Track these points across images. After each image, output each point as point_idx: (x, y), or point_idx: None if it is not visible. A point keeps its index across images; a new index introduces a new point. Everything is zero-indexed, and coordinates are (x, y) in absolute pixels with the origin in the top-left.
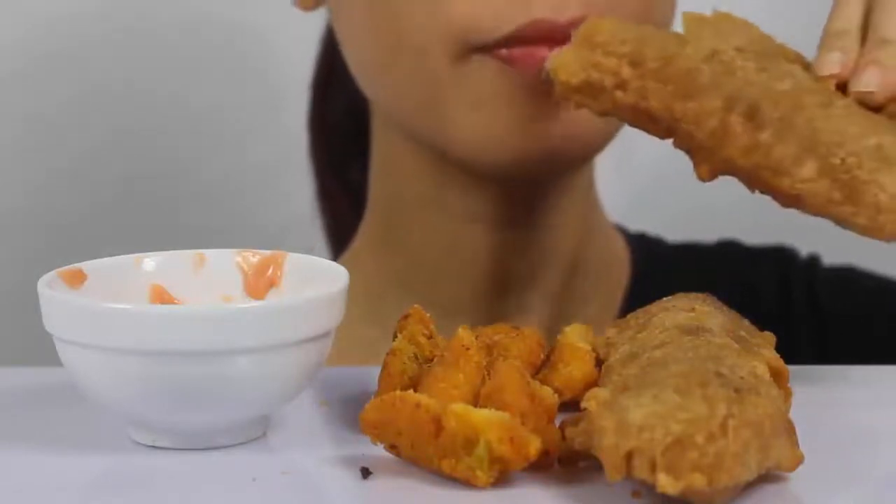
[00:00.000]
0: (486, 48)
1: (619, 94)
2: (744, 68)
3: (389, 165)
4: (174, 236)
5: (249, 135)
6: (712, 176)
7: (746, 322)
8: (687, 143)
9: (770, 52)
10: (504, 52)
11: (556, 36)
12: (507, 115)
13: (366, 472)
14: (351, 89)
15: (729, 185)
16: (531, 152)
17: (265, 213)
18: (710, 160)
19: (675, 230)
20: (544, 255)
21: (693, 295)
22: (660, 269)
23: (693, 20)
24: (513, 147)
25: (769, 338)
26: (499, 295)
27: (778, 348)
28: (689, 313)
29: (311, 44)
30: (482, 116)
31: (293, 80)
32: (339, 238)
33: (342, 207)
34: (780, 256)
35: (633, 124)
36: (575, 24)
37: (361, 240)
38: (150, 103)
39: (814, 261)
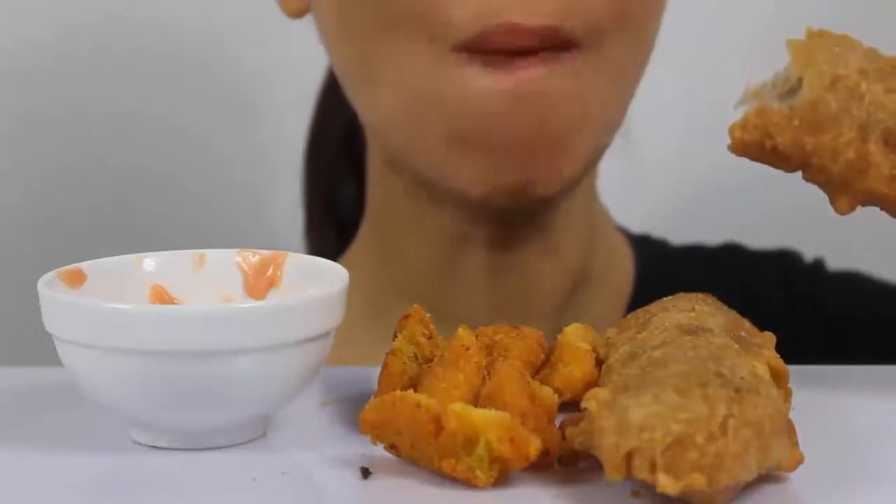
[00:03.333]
0: (460, 47)
1: (737, 132)
2: (871, 91)
3: (383, 184)
4: (174, 237)
5: (248, 139)
6: (852, 208)
7: (747, 322)
8: (820, 177)
9: (888, 70)
10: (484, 58)
11: (522, 41)
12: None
13: (366, 472)
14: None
15: (732, 190)
16: (500, 188)
17: (261, 216)
18: (848, 192)
19: (678, 233)
20: (544, 273)
21: (693, 295)
22: (663, 271)
23: (801, 47)
24: (483, 182)
25: (769, 338)
26: (496, 311)
27: (782, 352)
28: (689, 313)
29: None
30: (458, 142)
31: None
32: (322, 254)
33: (326, 228)
34: (784, 260)
35: (759, 161)
36: (543, 30)
37: (360, 246)
38: (150, 107)
39: (818, 264)
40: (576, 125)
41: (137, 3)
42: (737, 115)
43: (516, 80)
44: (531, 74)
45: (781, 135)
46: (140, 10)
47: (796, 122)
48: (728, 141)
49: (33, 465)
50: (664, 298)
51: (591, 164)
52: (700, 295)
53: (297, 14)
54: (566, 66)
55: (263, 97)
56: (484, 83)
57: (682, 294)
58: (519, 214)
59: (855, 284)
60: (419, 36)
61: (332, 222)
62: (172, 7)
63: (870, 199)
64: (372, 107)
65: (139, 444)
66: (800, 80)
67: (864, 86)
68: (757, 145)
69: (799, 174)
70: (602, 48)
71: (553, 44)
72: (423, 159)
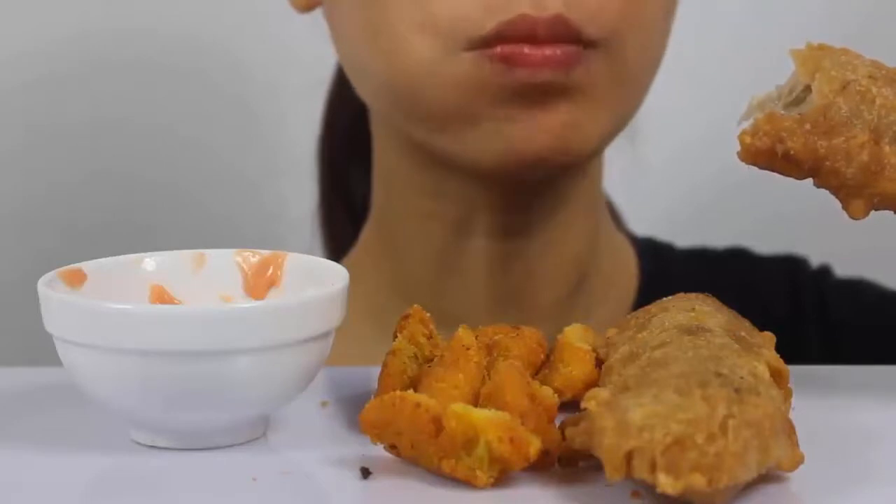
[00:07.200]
0: (474, 45)
1: (747, 139)
2: (882, 95)
3: (388, 175)
4: (176, 239)
5: (246, 146)
6: (867, 212)
7: (746, 322)
8: (833, 182)
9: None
10: (498, 50)
11: (537, 33)
12: (490, 116)
13: (366, 472)
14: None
15: (738, 194)
16: (513, 155)
17: (262, 221)
18: (863, 195)
19: (684, 237)
20: (546, 267)
21: (693, 295)
22: (668, 274)
23: (806, 56)
24: (495, 150)
25: (769, 338)
26: (498, 307)
27: (787, 357)
28: (689, 313)
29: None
30: (465, 116)
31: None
32: (337, 248)
33: (341, 218)
34: (790, 266)
35: (769, 168)
36: (555, 20)
37: (362, 247)
38: (151, 111)
39: (824, 271)
40: (587, 114)
41: (139, 14)
42: (742, 128)
43: (529, 74)
44: (545, 76)
45: (793, 139)
46: (142, 21)
47: (808, 127)
48: (737, 148)
49: (33, 465)
50: (664, 298)
51: (599, 146)
52: (700, 295)
53: (307, 8)
54: (579, 66)
55: (265, 99)
56: (496, 76)
57: (681, 294)
58: (523, 199)
59: (860, 292)
60: (430, 30)
61: (346, 215)
62: (175, 17)
63: (884, 202)
64: (377, 94)
65: (139, 443)
66: (806, 89)
67: (874, 90)
68: (768, 152)
69: (807, 181)
70: (614, 47)
71: (564, 36)
72: (434, 137)
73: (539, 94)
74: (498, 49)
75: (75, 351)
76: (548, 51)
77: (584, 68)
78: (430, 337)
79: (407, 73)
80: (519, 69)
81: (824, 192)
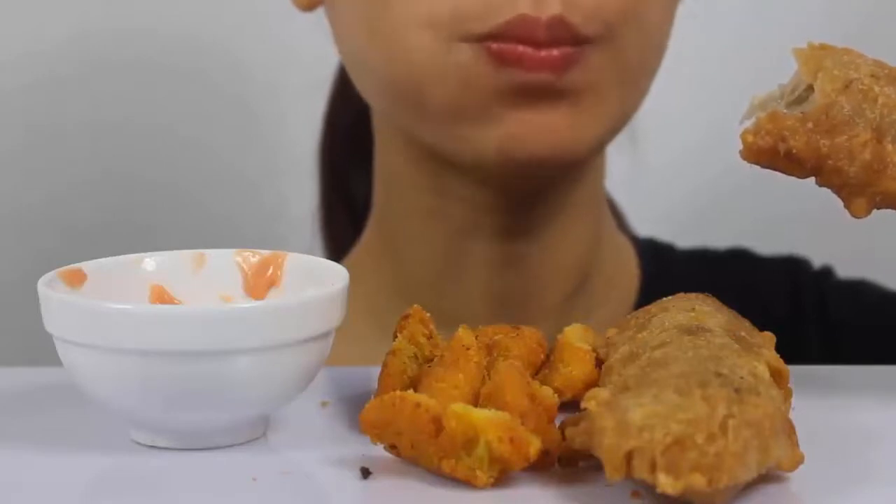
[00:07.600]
0: (472, 39)
1: (749, 137)
2: (884, 94)
3: (390, 175)
4: (177, 239)
5: (247, 146)
6: (869, 211)
7: (746, 322)
8: (836, 181)
9: None
10: (493, 46)
11: (536, 34)
12: (485, 114)
13: (366, 472)
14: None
15: (739, 195)
16: (508, 155)
17: (262, 221)
18: (864, 194)
19: (684, 238)
20: (546, 268)
21: (693, 295)
22: (669, 275)
23: (809, 56)
24: (491, 149)
25: (769, 338)
26: (498, 308)
27: (787, 357)
28: (689, 313)
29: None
30: (463, 112)
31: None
32: (337, 249)
33: (341, 219)
34: (791, 266)
35: (772, 167)
36: (554, 22)
37: (363, 247)
38: (152, 112)
39: (826, 272)
40: (583, 114)
41: (139, 14)
42: (743, 128)
43: (521, 74)
44: (541, 78)
45: (795, 138)
46: (142, 21)
47: (810, 125)
48: (739, 148)
49: (33, 465)
50: (664, 298)
51: (595, 147)
52: (700, 295)
53: (309, 7)
54: (578, 65)
55: (265, 99)
56: (487, 73)
57: (681, 294)
58: (525, 200)
59: (861, 292)
60: (431, 25)
61: (346, 215)
62: (175, 17)
63: (886, 201)
64: (378, 90)
65: (139, 443)
66: (809, 88)
67: (877, 89)
68: (770, 150)
69: (809, 181)
70: (612, 44)
71: (563, 38)
72: (435, 135)
73: (533, 96)
74: (493, 46)
75: (75, 351)
76: (544, 52)
77: (582, 67)
78: (430, 337)
79: (407, 66)
80: (509, 69)
81: (825, 193)
